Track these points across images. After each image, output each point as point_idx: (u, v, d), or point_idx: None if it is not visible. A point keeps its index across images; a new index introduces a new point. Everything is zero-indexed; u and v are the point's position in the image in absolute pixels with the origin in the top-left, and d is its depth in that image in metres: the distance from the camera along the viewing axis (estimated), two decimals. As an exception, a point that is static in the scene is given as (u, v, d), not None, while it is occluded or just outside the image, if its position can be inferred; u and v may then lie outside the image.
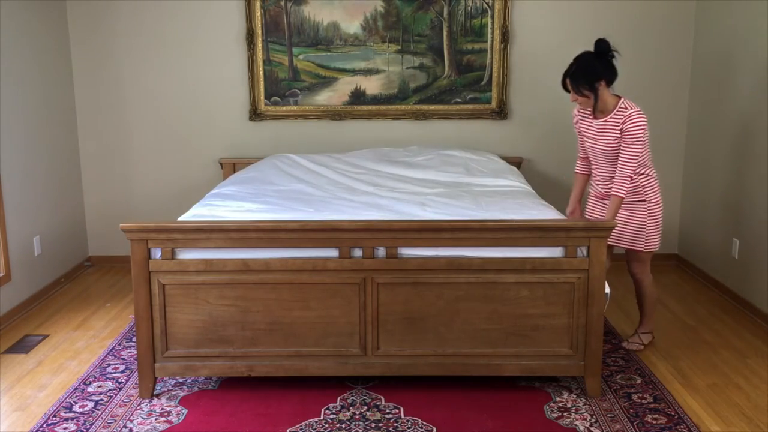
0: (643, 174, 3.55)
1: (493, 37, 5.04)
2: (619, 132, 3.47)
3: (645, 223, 3.59)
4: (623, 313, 4.33)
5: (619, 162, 3.47)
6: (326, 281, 3.15)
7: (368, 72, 5.12)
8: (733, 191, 4.50)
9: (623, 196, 3.46)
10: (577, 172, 3.91)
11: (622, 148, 3.46)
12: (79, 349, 3.86)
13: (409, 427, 2.99)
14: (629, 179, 3.46)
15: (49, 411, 3.17)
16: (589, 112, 3.63)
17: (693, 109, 5.10)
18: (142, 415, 3.12)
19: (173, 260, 3.15)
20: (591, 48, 3.56)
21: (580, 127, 3.70)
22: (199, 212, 3.61)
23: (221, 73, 5.13)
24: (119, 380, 3.46)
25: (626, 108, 3.47)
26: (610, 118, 3.51)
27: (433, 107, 5.15)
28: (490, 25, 5.03)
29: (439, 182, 4.35)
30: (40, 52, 4.71)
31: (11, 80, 4.33)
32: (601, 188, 3.67)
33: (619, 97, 3.53)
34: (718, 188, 4.72)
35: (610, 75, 3.48)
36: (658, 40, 5.07)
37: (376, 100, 5.15)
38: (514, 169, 4.73)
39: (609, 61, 3.49)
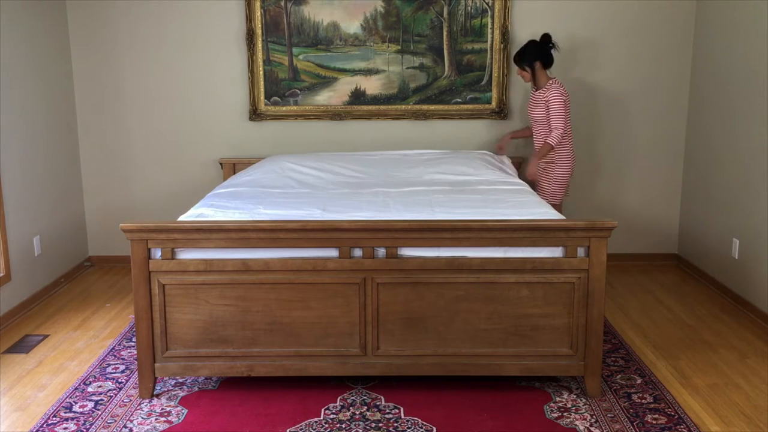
0: (559, 144, 4.51)
1: (493, 37, 5.04)
2: (544, 102, 4.50)
3: (551, 181, 4.57)
4: (623, 312, 4.33)
5: (551, 123, 4.47)
6: (326, 281, 3.15)
7: (368, 72, 5.12)
8: (733, 191, 4.50)
9: (553, 144, 4.47)
10: (527, 126, 4.95)
11: (550, 113, 4.46)
12: (79, 349, 3.86)
13: (409, 427, 2.99)
14: (559, 133, 4.44)
15: (49, 411, 3.17)
16: (533, 87, 4.66)
17: (693, 109, 5.10)
18: (142, 415, 3.12)
19: (173, 260, 3.15)
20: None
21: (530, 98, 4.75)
22: (199, 212, 3.61)
23: (221, 73, 5.13)
24: (119, 380, 3.46)
25: (551, 86, 4.48)
26: (540, 92, 4.54)
27: (433, 107, 5.15)
28: (490, 25, 5.03)
29: (443, 182, 4.37)
30: (41, 53, 4.71)
31: (11, 80, 4.33)
32: (536, 146, 4.66)
33: (551, 78, 4.53)
34: (718, 188, 4.72)
35: (545, 59, 4.54)
36: (658, 40, 5.07)
37: (376, 100, 5.15)
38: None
39: (548, 50, 4.54)
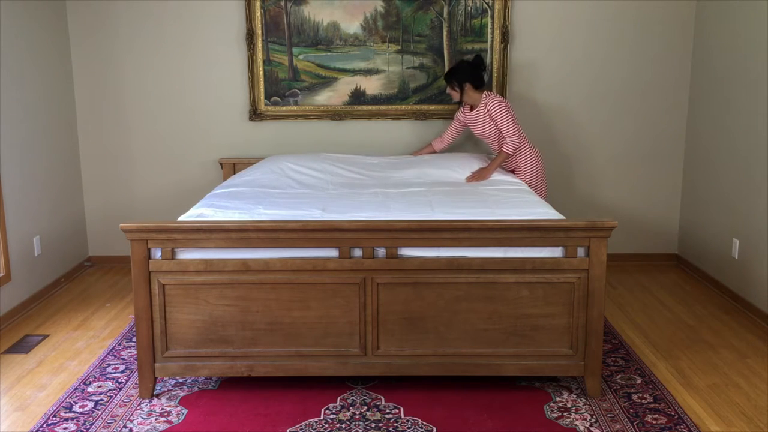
0: (516, 148, 4.51)
1: (493, 37, 5.04)
2: (487, 117, 4.50)
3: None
4: (623, 313, 4.33)
5: (503, 132, 4.45)
6: (326, 281, 3.15)
7: (368, 72, 5.12)
8: (733, 191, 4.50)
9: (509, 152, 4.47)
10: (431, 143, 4.94)
11: (498, 124, 4.45)
12: (79, 349, 3.86)
13: (409, 427, 2.99)
14: (514, 140, 4.43)
15: (49, 411, 3.17)
16: (468, 107, 4.64)
17: (693, 109, 5.10)
18: (142, 415, 3.12)
19: (173, 260, 3.15)
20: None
21: (460, 116, 4.73)
22: (199, 212, 3.61)
23: (221, 74, 5.13)
24: (119, 380, 3.46)
25: (486, 99, 4.48)
26: (477, 110, 4.55)
27: (433, 107, 5.15)
28: (490, 25, 5.03)
29: (442, 182, 4.37)
30: (40, 53, 4.71)
31: (11, 80, 4.33)
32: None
33: (483, 93, 4.53)
34: (718, 188, 4.72)
35: (475, 81, 4.51)
36: (658, 40, 5.07)
37: (376, 100, 5.15)
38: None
39: (479, 72, 4.54)
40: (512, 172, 4.64)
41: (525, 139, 4.58)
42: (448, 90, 4.61)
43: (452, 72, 4.56)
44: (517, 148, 4.49)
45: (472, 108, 4.61)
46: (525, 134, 4.61)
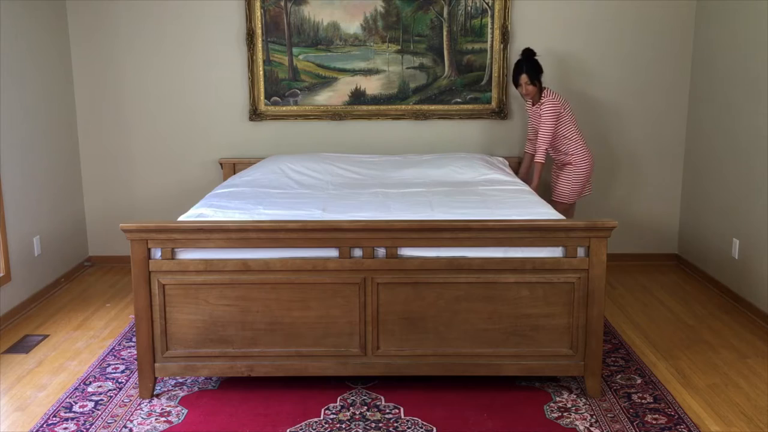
0: (570, 144, 4.60)
1: (493, 37, 5.04)
2: (539, 115, 4.56)
3: (569, 181, 4.65)
4: (623, 313, 4.33)
5: (538, 137, 4.56)
6: (326, 281, 3.15)
7: (368, 72, 5.12)
8: (733, 191, 4.50)
9: (542, 161, 4.55)
10: (526, 151, 4.92)
11: (539, 125, 4.55)
12: (79, 349, 3.86)
13: (409, 427, 2.99)
14: (544, 149, 4.52)
15: (49, 411, 3.17)
16: (529, 102, 4.71)
17: (693, 109, 5.10)
18: (142, 415, 3.12)
19: (173, 260, 3.15)
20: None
21: (527, 108, 4.82)
22: (199, 212, 3.61)
23: (221, 74, 5.13)
24: (119, 380, 3.46)
25: (545, 98, 4.53)
26: (537, 105, 4.60)
27: (433, 107, 5.15)
28: (490, 25, 5.03)
29: (442, 182, 4.37)
30: (40, 53, 4.71)
31: (11, 80, 4.33)
32: (553, 157, 4.78)
33: (545, 89, 4.59)
34: (718, 188, 4.72)
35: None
36: (658, 40, 5.07)
37: (376, 100, 5.15)
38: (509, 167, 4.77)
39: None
40: (565, 165, 4.69)
41: (579, 140, 4.60)
42: (526, 89, 4.56)
43: (532, 68, 4.52)
44: (543, 156, 4.53)
45: (533, 103, 4.66)
46: (580, 136, 4.62)
